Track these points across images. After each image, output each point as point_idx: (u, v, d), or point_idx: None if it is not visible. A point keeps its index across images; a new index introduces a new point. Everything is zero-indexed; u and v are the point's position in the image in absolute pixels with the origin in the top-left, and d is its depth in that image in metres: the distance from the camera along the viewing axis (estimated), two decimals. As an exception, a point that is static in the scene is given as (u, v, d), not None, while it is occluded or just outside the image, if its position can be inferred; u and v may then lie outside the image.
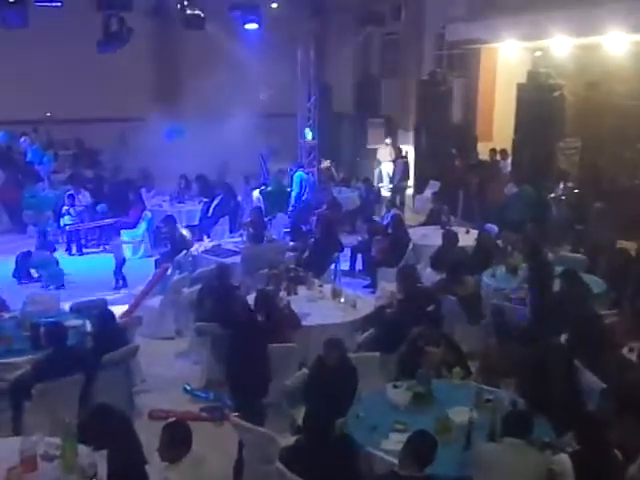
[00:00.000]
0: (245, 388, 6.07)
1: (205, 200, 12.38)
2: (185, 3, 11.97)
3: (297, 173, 12.54)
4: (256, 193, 12.81)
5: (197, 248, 10.07)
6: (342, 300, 7.53)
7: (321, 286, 8.00)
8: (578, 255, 9.20)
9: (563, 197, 11.35)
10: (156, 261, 9.84)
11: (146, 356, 7.06)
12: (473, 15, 13.41)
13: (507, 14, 12.37)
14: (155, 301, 8.41)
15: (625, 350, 6.18)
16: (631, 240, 9.39)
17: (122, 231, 11.64)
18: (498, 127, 14.49)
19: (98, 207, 12.07)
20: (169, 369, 7.53)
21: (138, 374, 6.88)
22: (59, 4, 10.87)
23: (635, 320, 6.58)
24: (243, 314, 6.59)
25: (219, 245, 10.07)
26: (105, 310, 6.76)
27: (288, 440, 4.88)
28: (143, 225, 11.59)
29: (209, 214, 11.98)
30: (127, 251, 11.32)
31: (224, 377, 6.44)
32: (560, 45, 12.34)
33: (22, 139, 15.59)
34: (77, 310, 7.30)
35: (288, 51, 12.90)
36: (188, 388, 7.02)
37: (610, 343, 6.21)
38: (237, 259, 9.12)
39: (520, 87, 13.03)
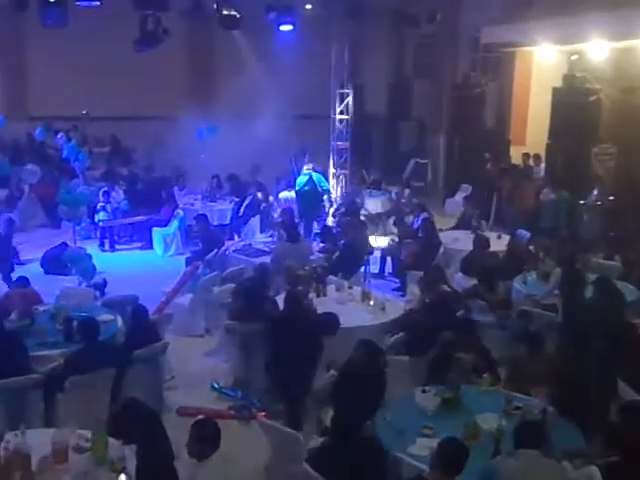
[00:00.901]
0: (283, 388, 6.11)
1: (236, 200, 12.46)
2: (221, 3, 12.04)
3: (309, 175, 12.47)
4: (286, 194, 12.84)
5: (228, 247, 10.14)
6: (371, 303, 7.51)
7: (350, 288, 8.00)
8: (612, 262, 9.07)
9: (598, 203, 11.21)
10: (187, 259, 9.93)
11: (176, 353, 7.13)
12: (508, 18, 13.29)
13: (543, 17, 12.23)
14: (185, 299, 8.48)
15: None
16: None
17: (154, 229, 11.78)
18: (532, 131, 14.36)
19: (122, 204, 12.20)
20: (198, 367, 7.59)
21: (168, 371, 6.96)
22: (98, 3, 11.02)
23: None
24: (279, 312, 6.63)
25: (250, 245, 10.13)
26: (137, 306, 6.85)
27: (315, 441, 4.89)
28: (175, 223, 11.71)
29: (240, 214, 12.06)
30: (159, 248, 11.45)
31: (266, 376, 6.46)
32: (597, 48, 12.17)
33: (58, 135, 15.84)
34: (110, 305, 7.40)
35: (322, 52, 12.91)
36: (216, 386, 7.06)
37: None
38: (267, 259, 9.15)
39: (555, 91, 12.90)
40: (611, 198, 11.26)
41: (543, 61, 13.88)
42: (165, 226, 11.76)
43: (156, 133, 15.45)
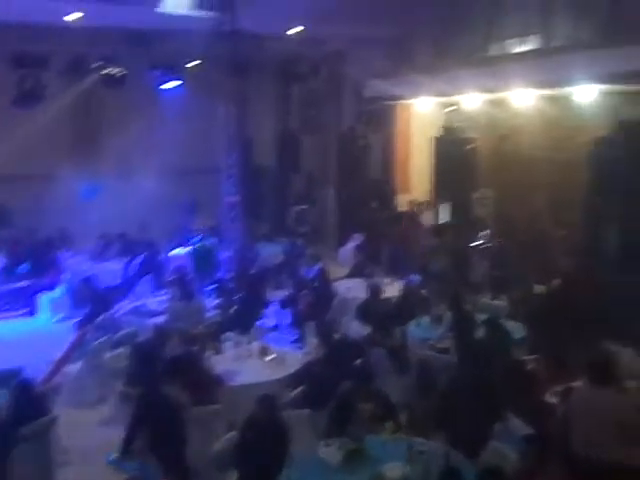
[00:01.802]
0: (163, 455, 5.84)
1: (126, 259, 12.13)
2: (104, 62, 11.90)
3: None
4: (179, 251, 12.64)
5: (119, 309, 9.80)
6: (270, 357, 7.44)
7: (248, 343, 7.90)
8: (499, 302, 9.46)
9: (482, 246, 11.72)
10: (76, 324, 9.52)
11: (67, 426, 6.75)
12: (389, 72, 13.91)
13: (421, 72, 12.89)
14: (75, 367, 8.09)
15: (548, 395, 6.35)
16: (542, 284, 9.78)
17: (39, 293, 11.24)
18: (416, 179, 14.92)
19: (19, 267, 11.64)
20: (92, 439, 7.18)
21: (59, 446, 6.56)
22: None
23: (555, 365, 6.79)
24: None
25: (142, 305, 9.84)
26: (21, 380, 6.44)
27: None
28: (61, 287, 11.24)
29: (131, 273, 11.73)
30: (45, 314, 10.91)
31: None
32: (471, 100, 12.93)
33: None
34: (-10, 380, 6.92)
35: (210, 107, 12.95)
36: (112, 458, 6.70)
37: (533, 388, 6.38)
38: (161, 319, 8.90)
39: (435, 141, 13.54)
40: (493, 239, 11.82)
41: (423, 113, 14.56)
42: (51, 290, 11.24)
43: (38, 193, 14.85)
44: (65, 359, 8.15)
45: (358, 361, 7.02)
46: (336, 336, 7.40)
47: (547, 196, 11.99)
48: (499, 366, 6.53)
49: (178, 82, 12.34)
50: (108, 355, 7.88)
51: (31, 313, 11.36)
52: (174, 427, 5.82)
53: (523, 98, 11.73)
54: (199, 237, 12.48)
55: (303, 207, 16.45)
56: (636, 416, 5.33)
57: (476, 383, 6.09)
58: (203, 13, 11.43)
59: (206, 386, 6.45)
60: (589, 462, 5.12)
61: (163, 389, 5.99)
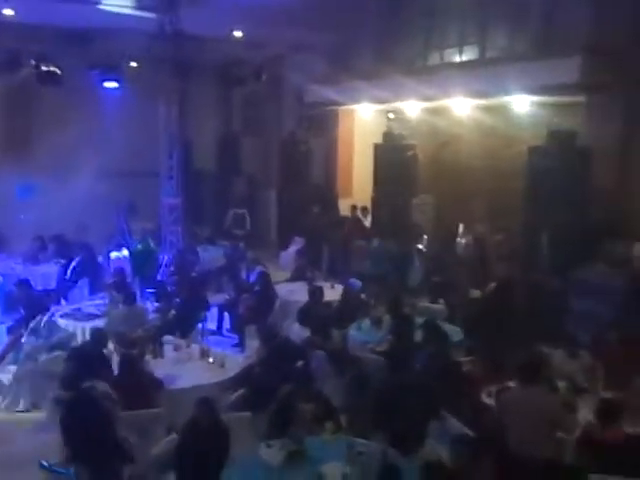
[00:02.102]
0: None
1: (62, 261, 11.84)
2: (40, 59, 11.62)
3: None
4: (117, 254, 12.42)
5: (54, 313, 9.56)
6: (210, 360, 7.41)
7: (188, 347, 7.84)
8: (437, 305, 9.66)
9: (423, 250, 11.95)
10: (8, 328, 9.23)
11: (-1, 432, 6.57)
12: (329, 78, 14.04)
13: (361, 78, 13.07)
14: (8, 372, 7.86)
15: (484, 395, 6.53)
16: (478, 289, 10.06)
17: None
18: (358, 184, 15.09)
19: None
20: (25, 445, 6.99)
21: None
22: None
23: (491, 366, 6.98)
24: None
25: (79, 309, 9.64)
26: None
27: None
28: (-7, 290, 10.88)
29: (67, 276, 11.46)
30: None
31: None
32: (411, 108, 13.17)
33: None
34: None
35: (150, 109, 12.80)
36: (46, 464, 6.53)
37: (469, 388, 6.55)
38: (99, 322, 8.75)
39: (376, 147, 13.73)
40: (431, 244, 12.07)
41: (364, 119, 14.74)
42: (-19, 294, 10.89)
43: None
44: (-3, 364, 7.91)
45: (299, 364, 7.06)
46: (277, 339, 7.41)
47: (484, 203, 12.33)
48: (437, 367, 6.67)
49: (117, 82, 12.14)
50: (43, 359, 7.68)
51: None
52: (103, 430, 5.68)
53: (462, 107, 12.04)
54: (138, 239, 12.28)
55: (240, 210, 16.48)
56: (564, 413, 5.55)
57: (413, 383, 6.22)
58: (145, 13, 11.32)
59: (146, 390, 6.36)
60: (522, 460, 5.30)
61: (91, 390, 5.88)
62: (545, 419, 5.37)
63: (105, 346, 7.30)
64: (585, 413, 5.90)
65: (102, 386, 6.09)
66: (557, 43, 10.54)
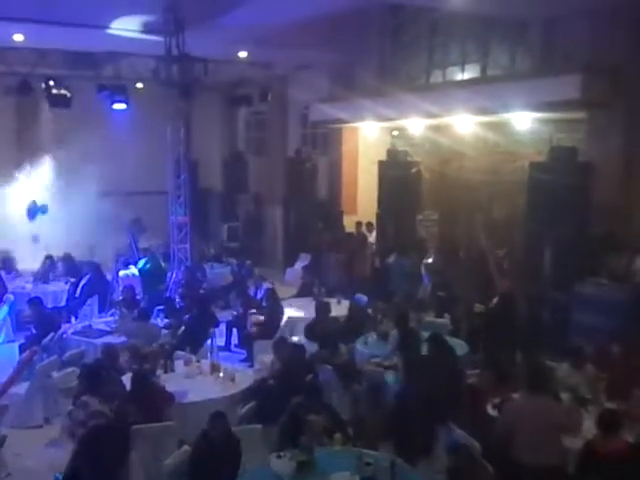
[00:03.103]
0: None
1: (72, 280, 12.02)
2: (50, 83, 11.88)
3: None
4: (127, 271, 12.59)
5: (65, 330, 9.72)
6: (221, 375, 7.54)
7: (199, 362, 7.97)
8: (442, 320, 9.78)
9: (426, 266, 12.05)
10: (21, 346, 9.39)
11: (12, 447, 6.72)
12: (333, 96, 14.25)
13: (366, 96, 13.27)
14: (21, 388, 7.98)
15: (489, 407, 6.63)
16: (481, 303, 10.15)
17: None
18: (362, 201, 15.23)
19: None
20: (38, 460, 7.10)
21: (3, 468, 6.49)
22: None
23: (496, 379, 7.08)
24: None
25: (89, 326, 9.79)
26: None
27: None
28: (4, 309, 11.03)
29: (77, 294, 11.63)
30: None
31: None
32: (415, 125, 13.35)
33: None
34: None
35: (157, 129, 13.01)
36: (60, 478, 6.66)
37: (474, 401, 6.66)
38: (109, 339, 8.90)
39: (380, 164, 13.90)
40: (436, 260, 12.17)
41: (369, 136, 14.92)
42: (-7, 312, 11.03)
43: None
44: (12, 381, 8.00)
45: (308, 377, 7.17)
46: (293, 353, 7.54)
47: (487, 218, 12.46)
48: (443, 380, 6.78)
49: (125, 104, 12.37)
50: (56, 375, 7.82)
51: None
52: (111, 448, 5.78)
53: (464, 124, 12.21)
54: (148, 257, 12.44)
55: (234, 224, 16.76)
56: (569, 415, 5.66)
57: (421, 397, 6.33)
58: (152, 36, 11.57)
59: (158, 403, 6.50)
60: (528, 468, 5.40)
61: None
62: (551, 423, 5.47)
63: (116, 361, 7.44)
64: (588, 424, 5.99)
65: (95, 404, 6.23)
66: (557, 61, 10.73)
